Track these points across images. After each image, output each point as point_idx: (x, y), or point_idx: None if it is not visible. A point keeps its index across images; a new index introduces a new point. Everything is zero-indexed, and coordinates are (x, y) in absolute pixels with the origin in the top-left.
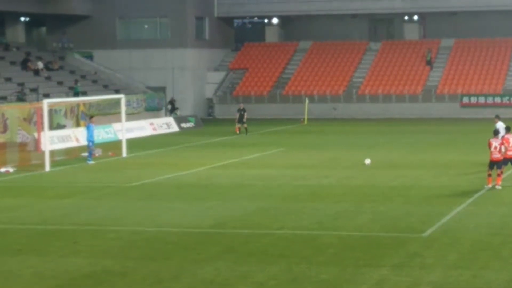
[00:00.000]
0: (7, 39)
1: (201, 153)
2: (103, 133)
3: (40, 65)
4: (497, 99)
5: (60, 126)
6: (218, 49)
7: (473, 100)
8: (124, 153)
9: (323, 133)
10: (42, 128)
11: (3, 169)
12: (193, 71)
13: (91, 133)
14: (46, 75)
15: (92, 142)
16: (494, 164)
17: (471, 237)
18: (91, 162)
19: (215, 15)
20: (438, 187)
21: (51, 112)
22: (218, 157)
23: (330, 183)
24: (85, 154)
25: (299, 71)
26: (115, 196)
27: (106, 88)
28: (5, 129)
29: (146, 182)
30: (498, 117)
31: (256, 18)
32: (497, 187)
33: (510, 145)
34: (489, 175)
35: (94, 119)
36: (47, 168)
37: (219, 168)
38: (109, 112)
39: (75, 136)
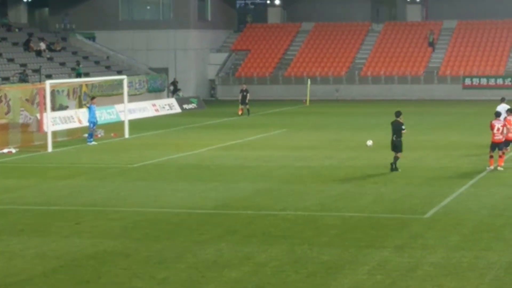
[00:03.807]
0: (9, 20)
1: (204, 134)
2: (105, 114)
3: (43, 46)
4: (499, 81)
5: (63, 107)
6: (220, 30)
7: (475, 81)
8: (127, 134)
9: (326, 114)
10: (45, 109)
11: (5, 150)
12: (196, 52)
13: (93, 114)
14: (48, 56)
15: (94, 123)
16: (496, 146)
17: (473, 218)
18: (93, 143)
19: None
20: (440, 168)
21: (53, 93)
22: (220, 138)
23: (332, 164)
24: (86, 135)
25: (302, 52)
26: (117, 177)
27: (109, 69)
28: (7, 110)
29: (148, 163)
30: (503, 100)
31: None
32: (499, 168)
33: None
34: (491, 156)
35: (95, 100)
36: (50, 148)
37: (221, 149)
38: (111, 93)
39: (77, 117)
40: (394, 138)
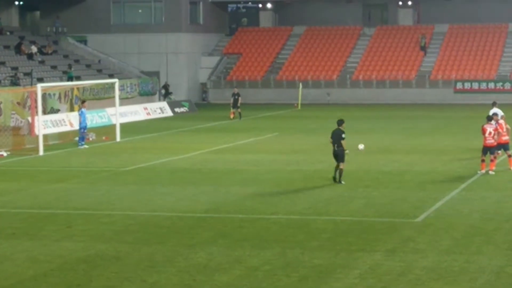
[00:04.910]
0: (0, 23)
1: (195, 137)
2: (96, 117)
3: (34, 49)
4: (491, 85)
5: (54, 111)
6: (212, 33)
7: (467, 85)
8: (118, 138)
9: (317, 118)
10: (36, 112)
11: None
12: (187, 55)
13: (84, 117)
14: (40, 59)
15: (85, 127)
16: (487, 150)
17: (465, 222)
18: (84, 146)
19: None
20: (432, 172)
21: (45, 96)
22: (212, 141)
23: (323, 168)
24: (77, 138)
25: (293, 56)
26: (109, 180)
27: (100, 72)
28: None
29: (140, 166)
30: (494, 104)
31: (250, 3)
32: (490, 172)
33: (504, 131)
34: (483, 160)
35: (85, 103)
36: (41, 152)
37: (213, 153)
38: (103, 96)
39: (69, 120)
40: (335, 148)
